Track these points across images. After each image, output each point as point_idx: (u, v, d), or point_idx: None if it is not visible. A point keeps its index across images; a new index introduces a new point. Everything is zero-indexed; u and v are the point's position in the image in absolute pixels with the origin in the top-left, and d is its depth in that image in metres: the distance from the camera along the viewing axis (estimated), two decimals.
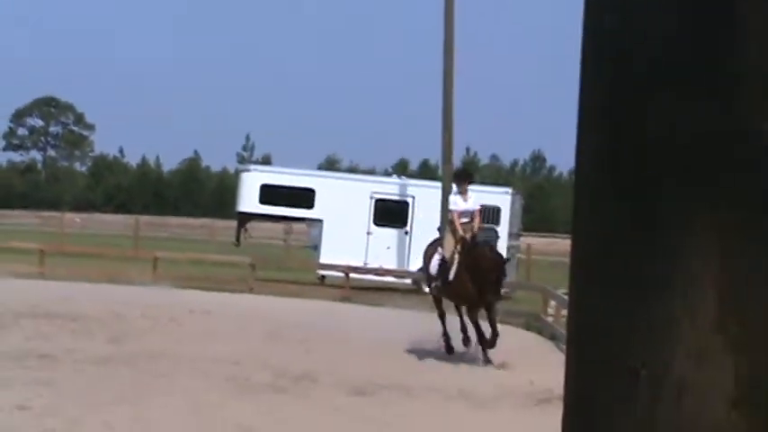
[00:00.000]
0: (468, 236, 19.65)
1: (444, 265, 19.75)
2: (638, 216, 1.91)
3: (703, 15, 1.88)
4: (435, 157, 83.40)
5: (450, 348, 19.64)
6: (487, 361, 18.83)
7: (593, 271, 1.97)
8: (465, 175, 21.35)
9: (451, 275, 19.37)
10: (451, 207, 20.40)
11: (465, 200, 20.07)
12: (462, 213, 19.94)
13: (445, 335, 19.81)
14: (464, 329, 19.62)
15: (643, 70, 1.91)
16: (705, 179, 1.87)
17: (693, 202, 1.87)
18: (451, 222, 20.19)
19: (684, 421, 1.86)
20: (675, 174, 1.88)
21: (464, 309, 19.70)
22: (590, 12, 2.02)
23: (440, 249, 20.27)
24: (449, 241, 20.03)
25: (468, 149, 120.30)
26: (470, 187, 20.58)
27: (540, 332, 24.55)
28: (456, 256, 19.51)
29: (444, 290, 19.85)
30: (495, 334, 19.12)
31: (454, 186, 21.02)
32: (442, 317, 20.06)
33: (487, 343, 19.06)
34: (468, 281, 19.12)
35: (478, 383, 16.73)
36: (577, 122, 2.04)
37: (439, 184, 35.85)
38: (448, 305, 20.17)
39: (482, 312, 19.46)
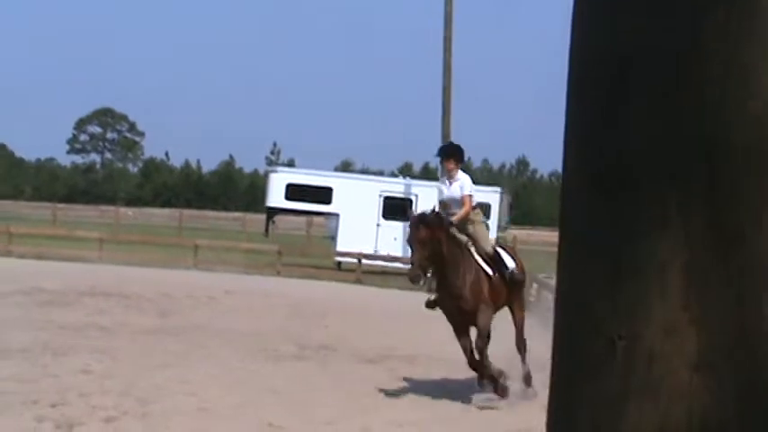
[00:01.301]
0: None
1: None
2: (618, 212, 1.92)
3: (673, 40, 1.88)
4: (435, 161, 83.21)
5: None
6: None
7: (578, 258, 1.98)
8: (446, 153, 13.62)
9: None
10: (437, 197, 13.53)
11: (450, 185, 13.18)
12: (445, 204, 13.14)
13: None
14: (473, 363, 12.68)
15: (621, 89, 1.92)
16: (674, 184, 1.88)
17: (665, 201, 1.88)
18: None
19: (654, 384, 1.88)
20: (649, 178, 1.89)
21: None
22: (575, 31, 2.02)
23: None
24: None
25: None
26: (460, 172, 13.30)
27: None
28: None
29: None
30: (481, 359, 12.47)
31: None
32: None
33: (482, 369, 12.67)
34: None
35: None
36: (564, 127, 2.05)
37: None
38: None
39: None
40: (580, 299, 1.97)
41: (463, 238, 12.79)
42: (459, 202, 13.05)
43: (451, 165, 13.26)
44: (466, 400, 12.39)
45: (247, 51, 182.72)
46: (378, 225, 35.68)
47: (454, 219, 12.80)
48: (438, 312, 12.88)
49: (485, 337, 12.47)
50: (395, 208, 36.17)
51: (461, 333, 12.68)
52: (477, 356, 12.49)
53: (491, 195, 36.32)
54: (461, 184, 13.15)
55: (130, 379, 12.59)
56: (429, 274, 12.62)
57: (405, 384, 13.43)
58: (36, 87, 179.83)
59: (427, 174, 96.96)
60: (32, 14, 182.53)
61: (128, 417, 10.56)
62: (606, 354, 1.92)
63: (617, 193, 1.93)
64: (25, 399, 10.99)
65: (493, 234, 35.44)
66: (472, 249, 12.76)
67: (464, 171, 13.65)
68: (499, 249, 13.24)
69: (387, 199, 36.26)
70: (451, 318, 12.74)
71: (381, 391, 12.83)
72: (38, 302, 20.55)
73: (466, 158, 13.97)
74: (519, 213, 71.80)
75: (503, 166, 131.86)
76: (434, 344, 17.24)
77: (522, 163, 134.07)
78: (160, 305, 21.43)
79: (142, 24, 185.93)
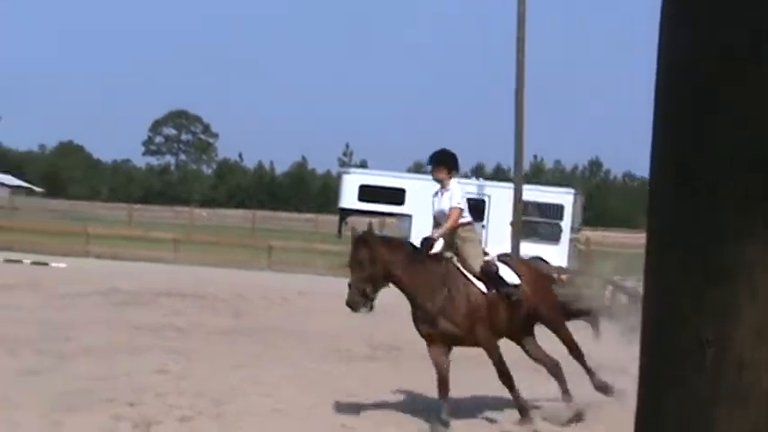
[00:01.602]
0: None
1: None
2: (706, 214, 1.88)
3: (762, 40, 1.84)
4: (507, 162, 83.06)
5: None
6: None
7: (666, 260, 1.95)
8: (436, 161, 11.81)
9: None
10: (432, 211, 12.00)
11: (441, 196, 11.71)
12: (436, 219, 11.80)
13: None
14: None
15: (711, 89, 1.88)
16: (762, 185, 1.84)
17: (753, 202, 1.84)
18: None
19: (743, 391, 1.83)
20: (737, 179, 1.85)
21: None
22: (665, 31, 1.99)
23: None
24: None
25: (535, 156, 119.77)
26: (453, 182, 11.73)
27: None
28: None
29: None
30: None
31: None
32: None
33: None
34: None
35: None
36: (653, 130, 2.01)
37: (511, 185, 35.79)
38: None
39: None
40: (668, 300, 1.93)
41: (447, 254, 11.43)
42: (447, 215, 11.52)
43: (443, 174, 11.67)
44: (537, 401, 12.29)
45: (320, 53, 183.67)
46: None
47: (437, 233, 11.43)
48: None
49: (499, 364, 11.33)
50: (468, 209, 36.10)
51: (438, 351, 11.31)
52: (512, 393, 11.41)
53: (564, 197, 36.24)
54: (451, 195, 11.58)
55: (205, 379, 12.69)
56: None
57: (479, 386, 13.38)
58: (112, 90, 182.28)
59: (500, 175, 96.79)
60: (108, 18, 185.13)
61: (202, 417, 10.65)
62: (695, 357, 1.89)
63: (703, 197, 1.89)
64: (103, 397, 11.13)
65: (566, 236, 35.39)
66: (459, 265, 11.35)
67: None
68: (500, 264, 11.65)
69: None
70: (433, 342, 11.37)
71: (454, 392, 12.77)
72: (114, 303, 20.81)
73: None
74: (592, 215, 71.47)
75: (575, 167, 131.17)
76: (510, 347, 17.12)
77: (596, 164, 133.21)
78: (234, 306, 21.59)
79: (215, 26, 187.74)
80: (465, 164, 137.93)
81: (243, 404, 11.28)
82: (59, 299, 20.84)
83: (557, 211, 35.42)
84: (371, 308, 11.41)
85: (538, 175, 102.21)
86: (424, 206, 38.54)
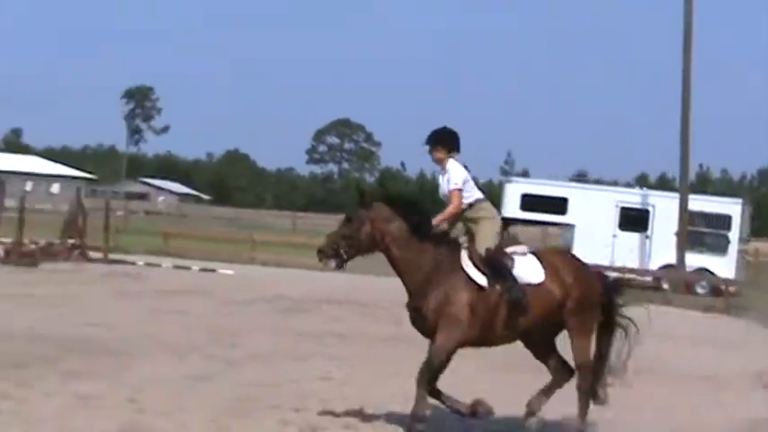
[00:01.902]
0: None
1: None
2: None
3: None
4: (672, 172, 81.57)
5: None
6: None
7: None
8: (433, 141, 10.79)
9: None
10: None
11: (443, 178, 10.77)
12: (445, 202, 10.71)
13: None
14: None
15: None
16: None
17: None
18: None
19: None
20: None
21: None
22: None
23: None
24: None
25: (701, 165, 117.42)
26: (451, 162, 10.68)
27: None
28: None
29: None
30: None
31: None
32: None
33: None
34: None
35: (714, 366, 16.22)
36: None
37: (676, 195, 35.19)
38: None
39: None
40: None
41: (460, 238, 10.52)
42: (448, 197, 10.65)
43: (440, 154, 10.71)
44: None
45: (481, 61, 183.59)
46: (614, 236, 35.18)
47: (437, 220, 10.51)
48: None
49: (433, 360, 10.54)
50: (631, 219, 35.59)
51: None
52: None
53: (732, 207, 35.47)
54: (449, 177, 10.62)
55: (367, 386, 12.82)
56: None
57: (641, 398, 13.20)
58: (277, 101, 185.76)
59: (665, 185, 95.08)
60: (276, 34, 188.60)
61: (366, 424, 10.76)
62: None
63: None
64: (269, 403, 11.34)
65: (734, 247, 34.57)
66: (464, 253, 10.36)
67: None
68: (524, 257, 10.55)
69: (623, 209, 35.73)
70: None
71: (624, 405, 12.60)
72: (279, 309, 21.15)
73: (459, 147, 10.50)
74: (761, 225, 69.58)
75: (743, 176, 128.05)
76: (653, 357, 16.76)
77: (764, 173, 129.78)
78: (395, 314, 21.64)
79: (379, 37, 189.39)
80: (629, 173, 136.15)
81: (405, 411, 11.35)
82: (226, 305, 21.29)
83: (724, 221, 34.70)
84: (338, 267, 10.91)
85: (704, 185, 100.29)
86: (587, 216, 38.40)
